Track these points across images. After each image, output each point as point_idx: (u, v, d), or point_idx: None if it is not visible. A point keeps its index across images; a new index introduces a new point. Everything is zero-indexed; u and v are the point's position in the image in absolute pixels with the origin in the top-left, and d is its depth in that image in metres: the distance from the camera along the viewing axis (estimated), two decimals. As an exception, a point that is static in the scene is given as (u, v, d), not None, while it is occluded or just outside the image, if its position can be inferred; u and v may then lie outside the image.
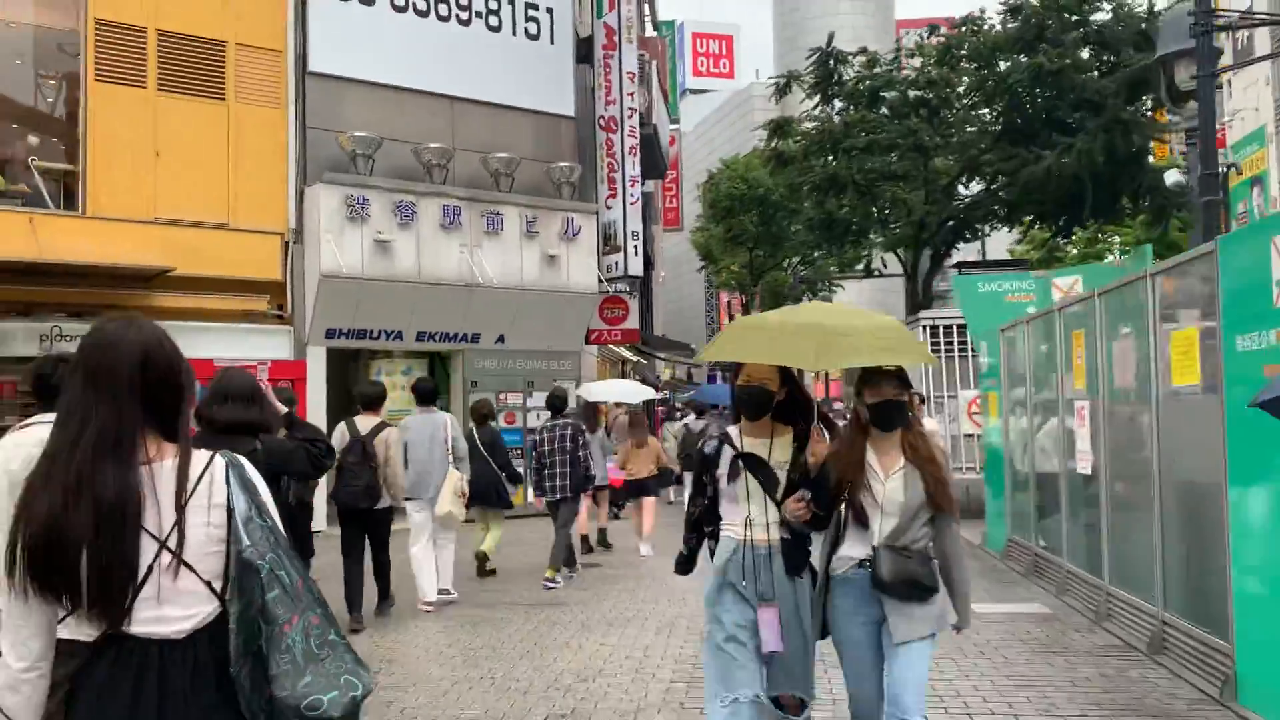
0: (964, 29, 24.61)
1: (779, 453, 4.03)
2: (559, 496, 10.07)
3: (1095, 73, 22.93)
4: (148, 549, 1.98)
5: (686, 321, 54.44)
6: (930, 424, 11.52)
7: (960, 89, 24.89)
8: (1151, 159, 23.51)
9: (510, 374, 16.02)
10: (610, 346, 19.81)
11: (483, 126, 16.18)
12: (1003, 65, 23.89)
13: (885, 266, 31.81)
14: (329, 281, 14.14)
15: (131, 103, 13.49)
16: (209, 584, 2.03)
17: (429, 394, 9.41)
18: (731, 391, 4.06)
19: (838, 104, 26.38)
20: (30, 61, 14.62)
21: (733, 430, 4.16)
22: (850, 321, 3.98)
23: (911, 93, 24.94)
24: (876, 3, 65.81)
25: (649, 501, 12.34)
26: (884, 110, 25.65)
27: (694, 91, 69.76)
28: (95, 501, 1.94)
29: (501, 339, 15.91)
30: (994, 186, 25.94)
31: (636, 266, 16.29)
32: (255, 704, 2.02)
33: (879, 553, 3.79)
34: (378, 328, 14.94)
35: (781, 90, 27.08)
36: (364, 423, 8.32)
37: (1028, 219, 27.22)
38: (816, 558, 4.10)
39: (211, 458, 2.12)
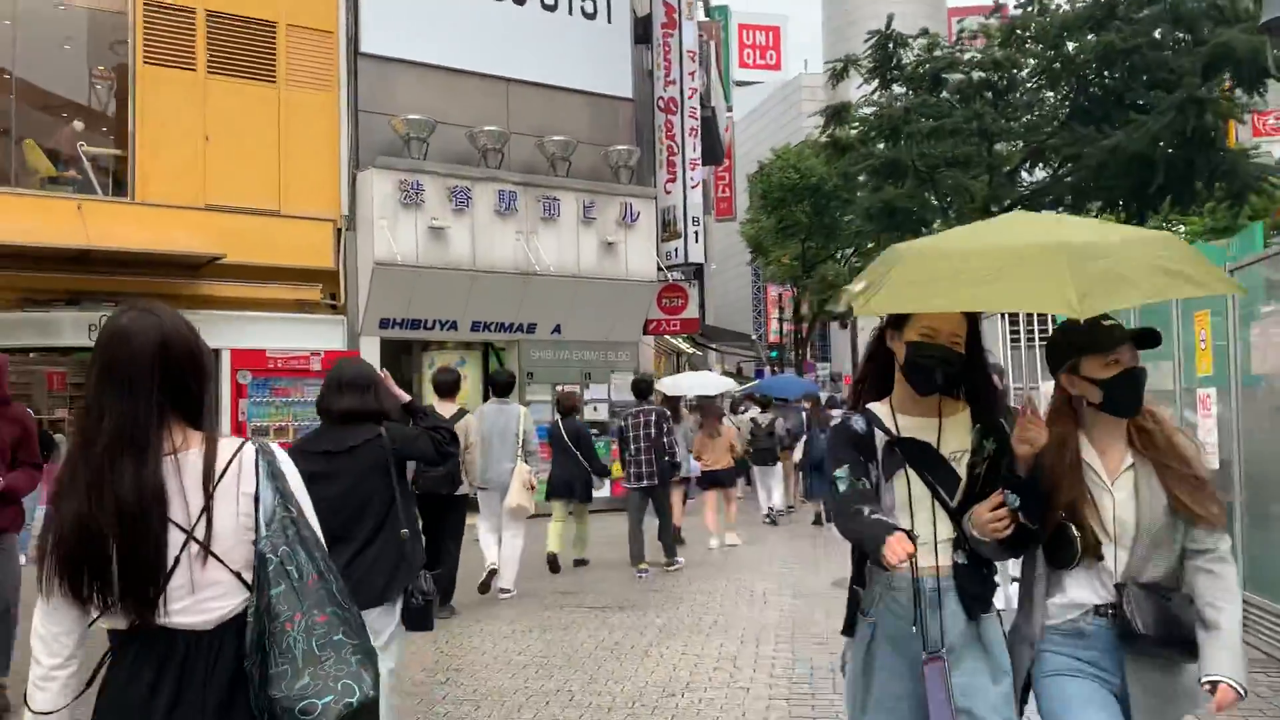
0: (1030, 8, 23.61)
1: (954, 440, 2.73)
2: (644, 484, 9.90)
3: (1170, 51, 21.85)
4: (176, 540, 1.94)
5: (732, 316, 53.68)
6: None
7: (1025, 71, 23.89)
8: (1226, 141, 22.40)
9: (566, 365, 15.40)
10: (667, 337, 19.15)
11: (538, 109, 15.57)
12: (1071, 46, 22.89)
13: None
14: (383, 269, 13.61)
15: (181, 86, 13.04)
16: (238, 575, 1.97)
17: (506, 385, 9.25)
18: (910, 354, 2.69)
19: (897, 89, 25.49)
20: (80, 45, 14.23)
21: (878, 409, 2.80)
22: (1102, 236, 2.57)
23: (975, 74, 23.99)
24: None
25: (730, 492, 12.23)
26: (945, 94, 24.73)
27: (740, 84, 68.81)
28: (116, 499, 1.90)
29: (558, 329, 15.31)
30: (1060, 171, 24.94)
31: (697, 253, 15.60)
32: (261, 702, 1.93)
33: (1128, 592, 2.57)
34: (432, 317, 14.39)
35: (838, 75, 26.15)
36: (442, 409, 7.98)
37: (1095, 205, 26.12)
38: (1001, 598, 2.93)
39: (241, 445, 2.06)
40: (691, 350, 22.68)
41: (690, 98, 15.69)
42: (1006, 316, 15.48)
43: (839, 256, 38.45)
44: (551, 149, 15.05)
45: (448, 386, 8.30)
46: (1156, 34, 22.17)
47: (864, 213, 28.98)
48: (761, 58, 70.97)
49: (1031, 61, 23.82)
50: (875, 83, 25.79)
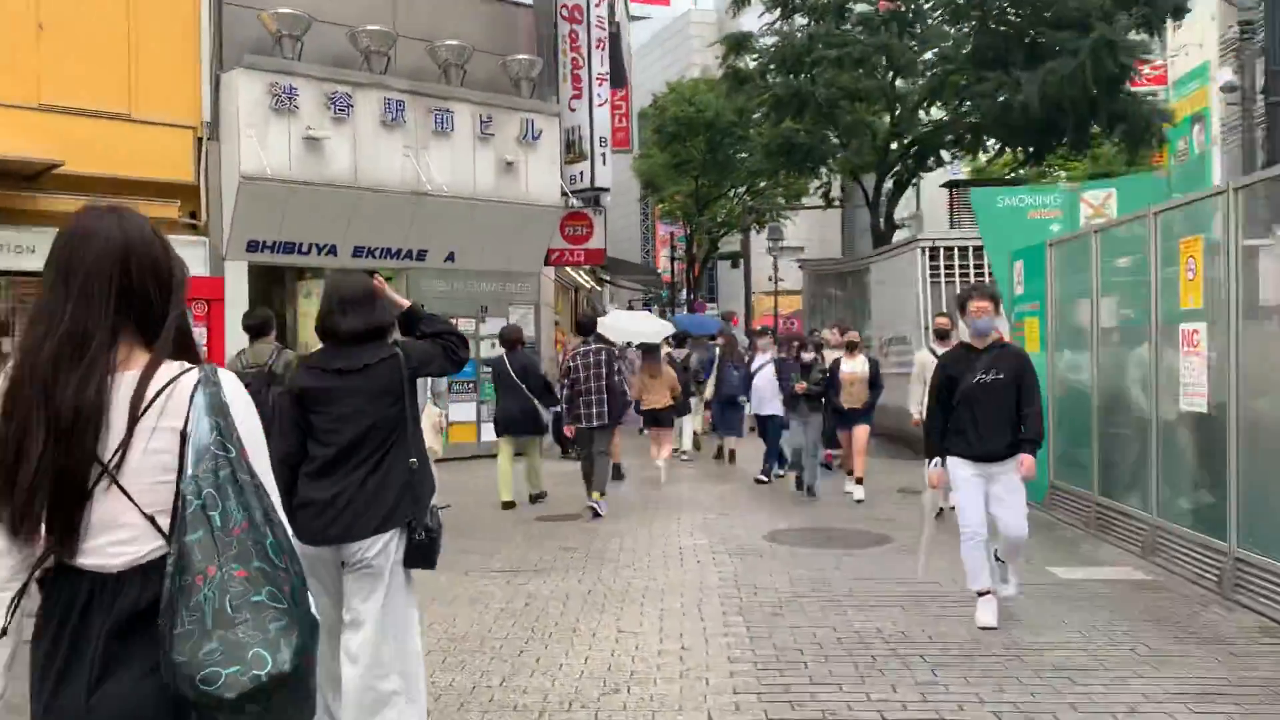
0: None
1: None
2: (596, 424, 9.60)
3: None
4: (96, 470, 1.70)
5: (622, 254, 52.32)
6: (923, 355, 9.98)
7: (929, 4, 23.03)
8: (1129, 84, 22.02)
9: (461, 297, 13.94)
10: (568, 269, 17.78)
11: (428, 9, 13.87)
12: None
13: (844, 195, 30.14)
14: (250, 185, 11.87)
15: (4, -40, 10.95)
16: (152, 519, 1.71)
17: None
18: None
19: (799, 20, 24.38)
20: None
21: None
22: None
23: (881, 3, 23.04)
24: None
25: (667, 432, 12.33)
26: (847, 26, 23.74)
27: (633, 19, 66.67)
28: (53, 414, 1.69)
29: (451, 257, 13.81)
30: (962, 110, 24.29)
31: (604, 177, 14.23)
32: (167, 667, 1.61)
33: None
34: (307, 241, 12.72)
35: (738, 3, 24.91)
36: (256, 351, 7.04)
37: (993, 144, 25.59)
38: None
39: (181, 372, 1.76)
40: (591, 285, 21.32)
41: (597, 5, 14.20)
42: (926, 253, 14.67)
43: (732, 194, 37.48)
44: (444, 55, 13.40)
45: (256, 329, 7.14)
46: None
47: (762, 148, 27.98)
48: (651, -8, 68.67)
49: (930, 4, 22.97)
50: (777, 12, 24.68)
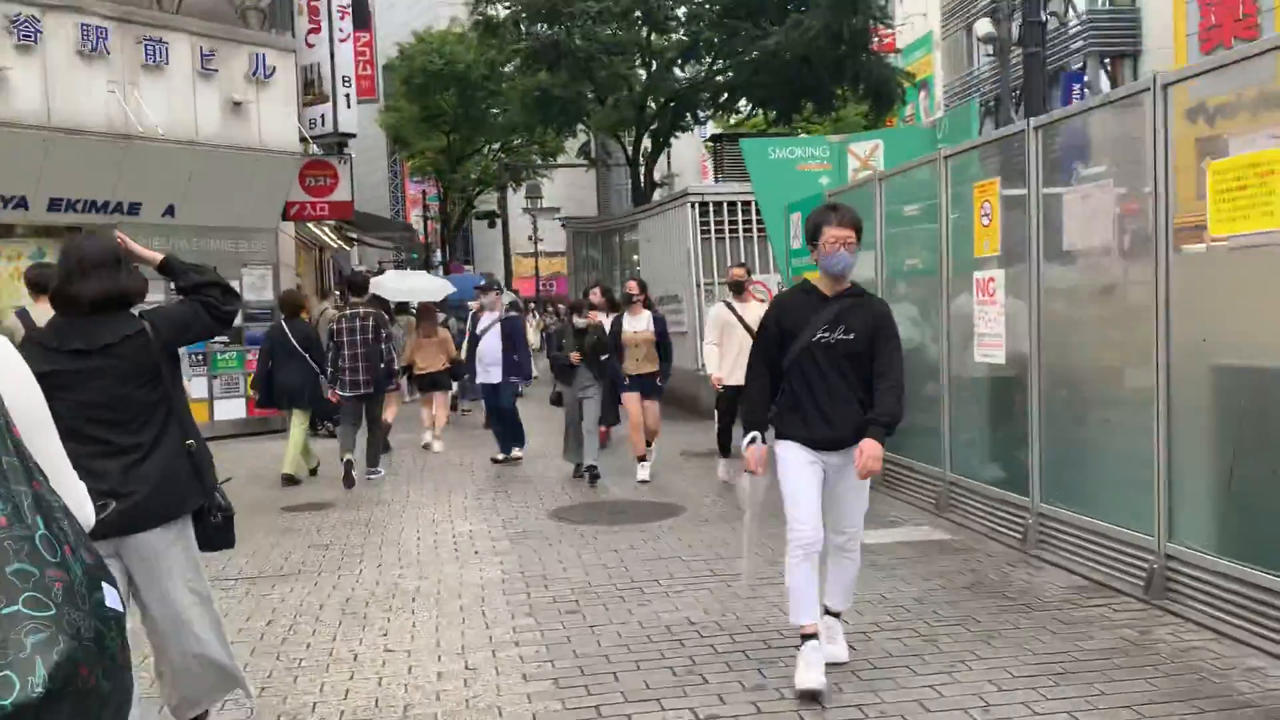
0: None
1: None
2: (360, 392, 9.17)
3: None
4: None
5: (369, 212, 49.60)
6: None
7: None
8: (872, 46, 22.55)
9: (183, 258, 12.09)
10: (310, 225, 16.10)
11: (134, -76, 11.90)
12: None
13: (609, 154, 29.58)
14: (-93, 122, 9.72)
15: None
16: None
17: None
18: None
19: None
20: None
21: None
22: None
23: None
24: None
25: (439, 396, 11.56)
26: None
27: (371, -34, 63.24)
28: None
29: (170, 210, 12.00)
30: (715, 67, 24.17)
31: (349, 121, 12.75)
32: None
33: None
34: (-11, 191, 10.64)
35: (491, -52, 23.63)
36: (39, 312, 6.16)
37: (744, 104, 25.69)
38: None
39: None
40: (338, 244, 19.57)
41: (336, -71, 12.65)
42: (696, 207, 14.18)
43: (487, 151, 36.13)
44: (155, -23, 11.54)
45: (43, 284, 6.08)
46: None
47: (519, 101, 26.88)
48: (394, -60, 65.57)
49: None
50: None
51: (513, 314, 10.48)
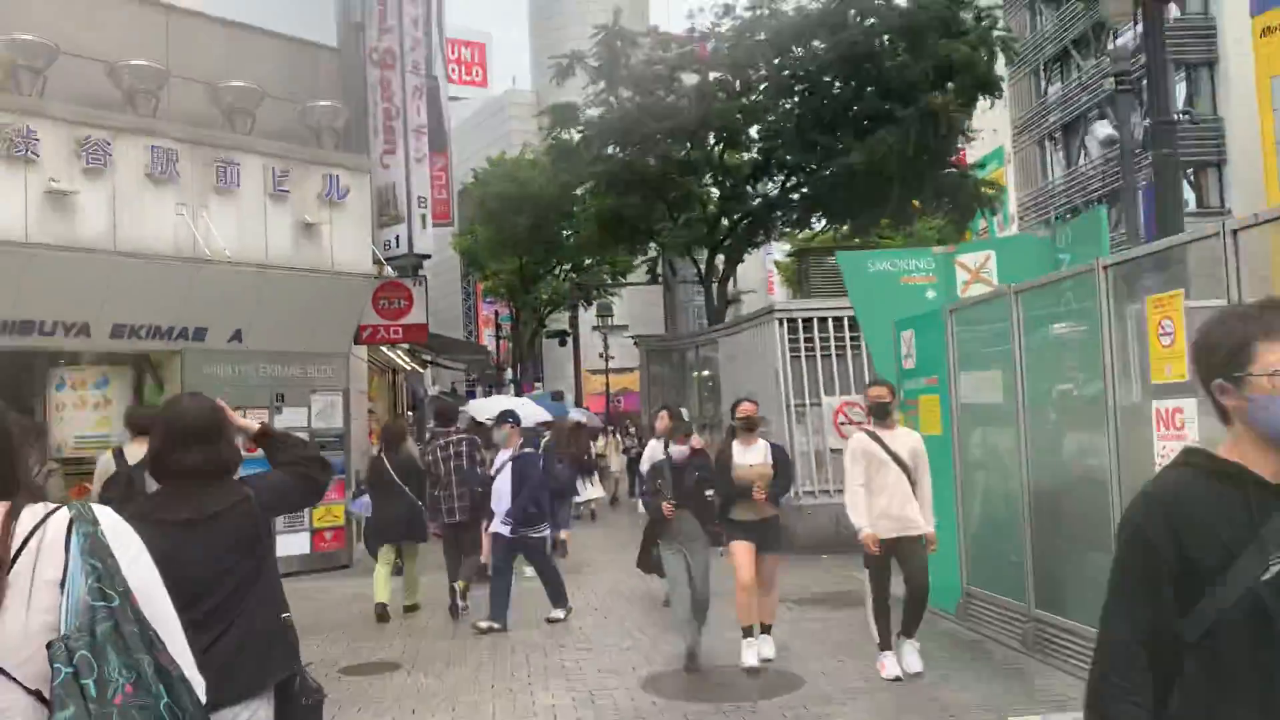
0: (760, 10, 22.02)
1: None
2: (457, 519, 8.92)
3: (895, 61, 20.70)
4: None
5: (444, 334, 49.61)
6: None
7: (760, 73, 22.24)
8: (954, 158, 21.78)
9: (250, 383, 11.43)
10: (383, 348, 15.44)
11: (210, 46, 11.60)
12: (799, 51, 21.50)
13: (674, 271, 29.00)
14: (-29, 248, 9.21)
15: None
16: (37, 693, 1.41)
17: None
18: None
19: (624, 92, 23.18)
20: None
21: None
22: None
23: (711, 75, 22.10)
24: (630, 7, 63.78)
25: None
26: (672, 98, 22.69)
27: (450, 99, 65.21)
28: None
29: (238, 335, 11.34)
30: (789, 185, 23.54)
31: (425, 242, 12.13)
32: None
33: None
34: (53, 319, 10.07)
35: (564, 73, 23.53)
36: (133, 452, 6.22)
37: (818, 219, 24.93)
38: None
39: (48, 514, 1.51)
40: (410, 366, 18.94)
41: (413, 49, 12.22)
42: (784, 323, 13.21)
43: (558, 271, 35.87)
44: (229, 98, 11.12)
45: (140, 424, 6.38)
46: (882, 42, 21.13)
47: (593, 219, 26.52)
48: (468, 74, 67.85)
49: (764, 67, 22.22)
50: (602, 83, 23.45)
51: (527, 450, 8.76)
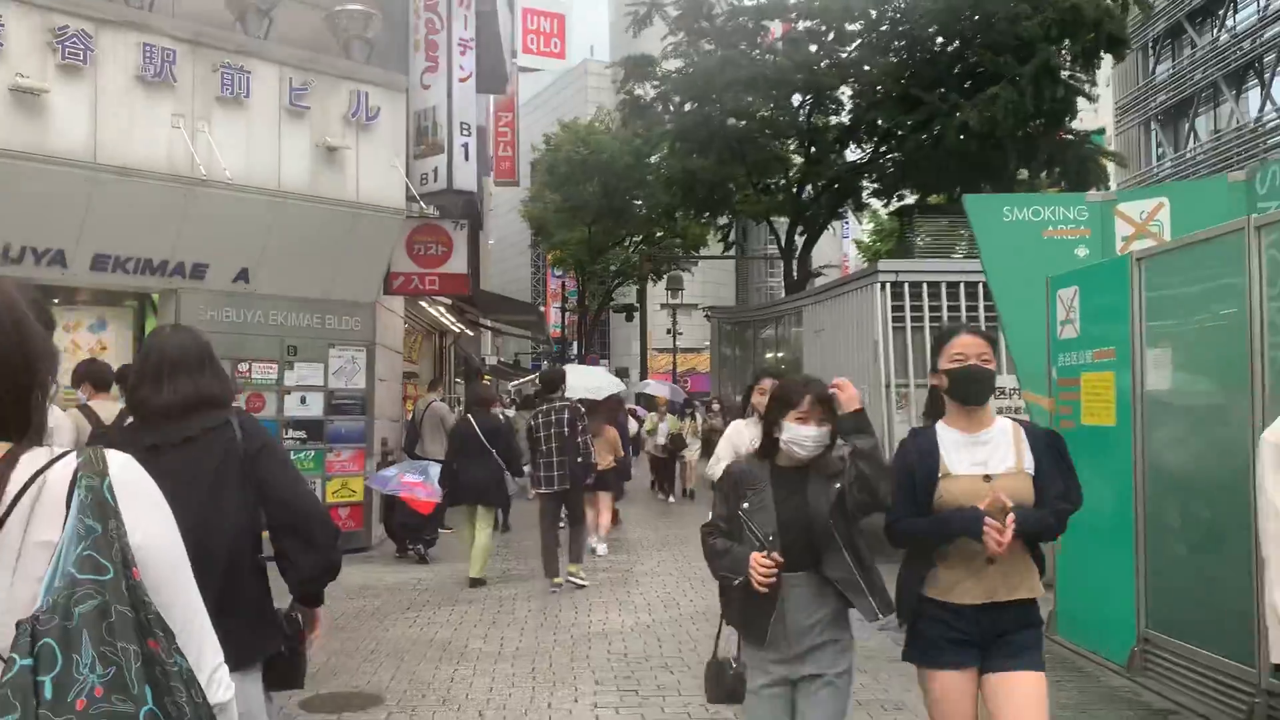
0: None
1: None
2: (556, 488, 8.67)
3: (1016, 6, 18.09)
4: None
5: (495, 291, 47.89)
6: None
7: (855, 26, 19.88)
8: (1069, 120, 19.16)
9: (257, 332, 9.62)
10: (424, 304, 13.55)
11: (223, -64, 9.74)
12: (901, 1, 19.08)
13: (743, 250, 26.84)
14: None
15: None
16: None
17: None
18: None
19: (705, 46, 21.01)
20: None
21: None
22: None
23: (801, 23, 19.82)
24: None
25: (605, 497, 10.54)
26: (757, 51, 20.47)
27: (524, 70, 63.64)
28: None
29: (244, 275, 9.53)
30: (882, 149, 21.16)
31: (467, 177, 10.15)
32: None
33: None
34: (18, 243, 8.33)
35: (640, 22, 21.44)
36: (106, 409, 5.43)
37: (909, 192, 22.45)
38: None
39: (51, 460, 1.22)
40: (459, 328, 17.05)
41: (462, -53, 10.22)
42: (888, 288, 11.01)
43: (628, 243, 33.89)
44: (240, -6, 9.26)
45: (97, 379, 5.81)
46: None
47: (664, 181, 24.46)
48: (546, 45, 66.03)
49: (860, 20, 19.84)
50: (681, 34, 21.31)
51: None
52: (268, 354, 9.69)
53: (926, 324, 10.21)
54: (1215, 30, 33.16)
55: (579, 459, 8.66)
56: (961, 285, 10.18)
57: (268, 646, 2.60)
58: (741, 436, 5.36)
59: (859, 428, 3.00)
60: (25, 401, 1.26)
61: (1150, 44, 36.75)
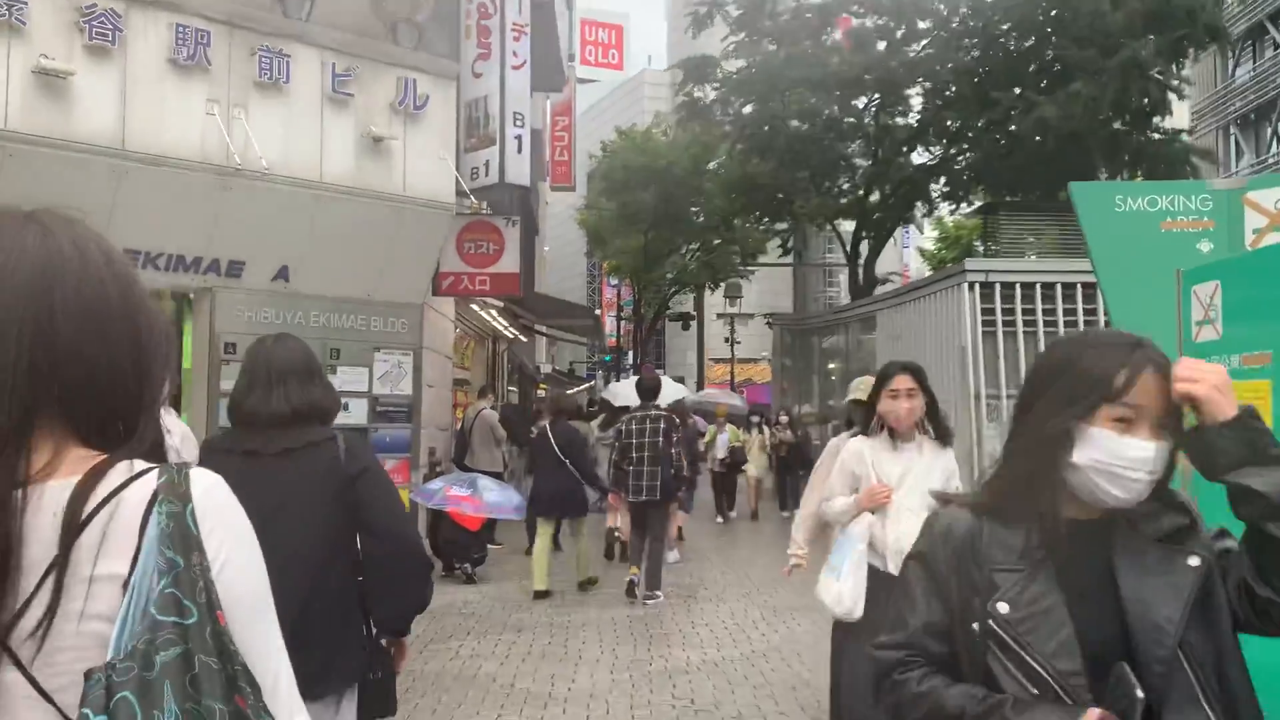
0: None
1: None
2: (645, 498, 8.31)
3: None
4: None
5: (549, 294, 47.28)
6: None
7: (925, 24, 18.88)
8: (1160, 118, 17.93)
9: (298, 334, 8.89)
10: (476, 308, 12.83)
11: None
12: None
13: (800, 257, 25.88)
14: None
15: None
16: None
17: None
18: None
19: (768, 46, 20.16)
20: None
21: None
22: None
23: (870, 20, 18.89)
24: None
25: (670, 506, 9.38)
26: (828, 42, 19.59)
27: (582, 81, 63.50)
28: None
29: (284, 273, 8.87)
30: (953, 150, 20.11)
31: (520, 170, 9.39)
32: None
33: None
34: (47, 237, 7.70)
35: (700, 22, 20.66)
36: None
37: (979, 190, 21.30)
38: None
39: (129, 478, 1.02)
40: (513, 333, 16.32)
41: (515, -74, 9.50)
42: (977, 289, 10.03)
43: (685, 251, 33.05)
44: (281, -27, 8.61)
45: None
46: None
47: (723, 186, 23.63)
48: (604, 56, 65.84)
49: (926, 24, 18.84)
50: (743, 34, 20.48)
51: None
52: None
53: (1020, 328, 9.24)
54: (1300, 30, 31.54)
55: (671, 470, 8.36)
56: (1059, 286, 9.19)
57: (346, 677, 2.47)
58: (863, 462, 3.87)
59: (1256, 450, 1.43)
60: (139, 404, 1.07)
61: (1230, 45, 35.12)
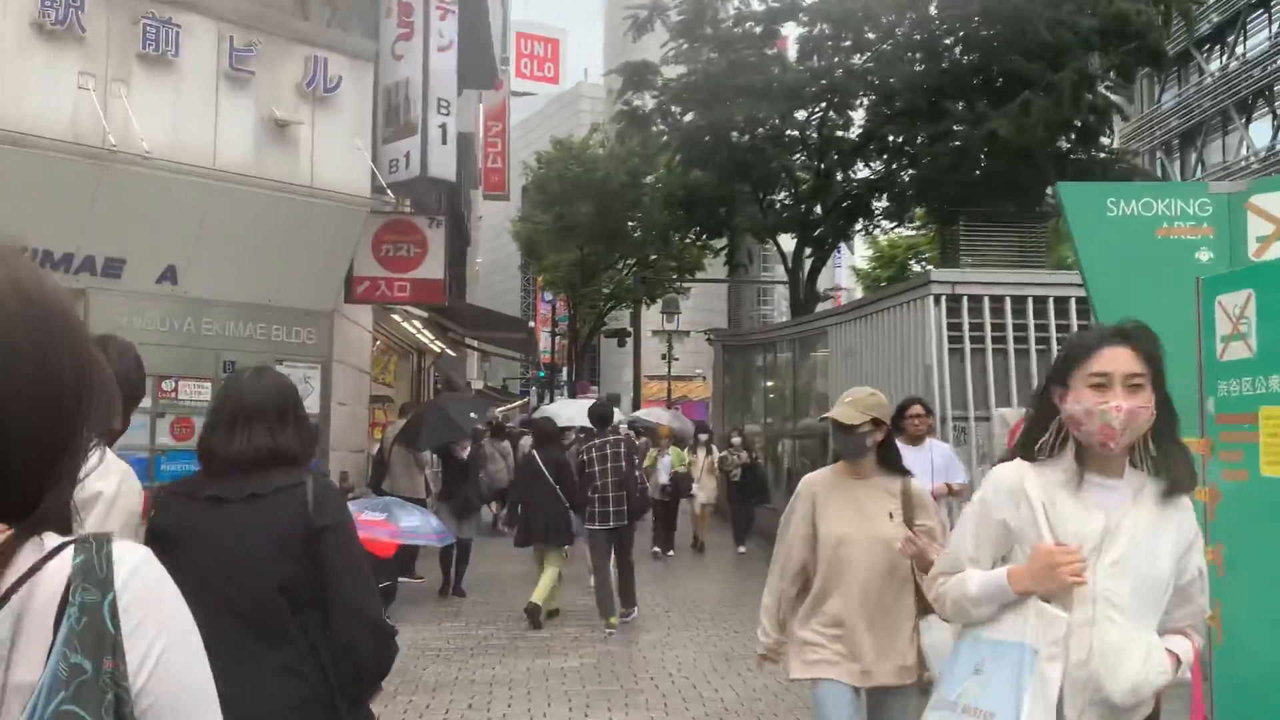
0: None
1: None
2: (612, 524, 8.07)
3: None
4: None
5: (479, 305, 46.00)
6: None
7: (871, 35, 18.30)
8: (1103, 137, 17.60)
9: (186, 344, 7.81)
10: (397, 318, 11.69)
11: None
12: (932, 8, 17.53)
13: (750, 262, 25.15)
14: None
15: None
16: None
17: None
18: None
19: (709, 54, 19.42)
20: None
21: None
22: None
23: (819, 26, 18.26)
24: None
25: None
26: (772, 51, 18.93)
27: (517, 94, 62.52)
28: None
29: (170, 274, 7.74)
30: (895, 166, 19.56)
31: (444, 163, 8.37)
32: None
33: None
34: (-119, 226, 6.51)
35: (640, 27, 19.85)
36: None
37: (919, 209, 20.83)
38: None
39: (45, 557, 0.85)
40: (440, 347, 15.14)
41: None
42: (943, 302, 9.28)
43: (621, 266, 32.18)
44: (171, -68, 7.51)
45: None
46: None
47: (663, 199, 22.82)
48: (539, 69, 64.98)
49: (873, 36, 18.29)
50: (683, 41, 19.72)
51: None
52: (199, 370, 7.86)
53: (989, 345, 8.49)
54: (1225, 57, 31.96)
55: (637, 493, 8.25)
56: (1030, 300, 8.48)
57: None
58: (1026, 505, 2.13)
59: None
60: (46, 465, 0.86)
61: (1161, 70, 35.57)
